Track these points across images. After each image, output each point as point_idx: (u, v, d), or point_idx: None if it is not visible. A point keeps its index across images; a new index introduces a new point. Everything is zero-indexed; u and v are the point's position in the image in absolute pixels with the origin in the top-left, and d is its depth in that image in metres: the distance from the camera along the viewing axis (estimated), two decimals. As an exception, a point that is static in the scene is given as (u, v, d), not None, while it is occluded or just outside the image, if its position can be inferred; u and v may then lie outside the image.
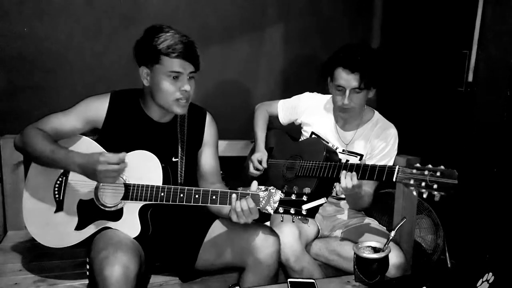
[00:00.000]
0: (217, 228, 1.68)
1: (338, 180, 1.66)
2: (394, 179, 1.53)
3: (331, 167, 1.72)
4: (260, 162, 2.00)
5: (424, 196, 1.46)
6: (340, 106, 1.84)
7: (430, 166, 1.46)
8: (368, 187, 1.84)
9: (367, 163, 1.86)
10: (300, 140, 2.07)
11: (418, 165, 1.48)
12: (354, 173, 1.60)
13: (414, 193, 1.48)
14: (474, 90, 2.35)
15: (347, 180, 1.60)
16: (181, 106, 1.57)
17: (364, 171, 1.61)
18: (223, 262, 1.63)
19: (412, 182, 1.47)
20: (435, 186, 1.42)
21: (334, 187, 1.67)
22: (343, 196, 1.99)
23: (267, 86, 2.79)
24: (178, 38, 1.52)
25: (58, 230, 1.58)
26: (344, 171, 1.63)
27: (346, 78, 1.77)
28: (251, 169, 2.03)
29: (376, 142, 1.90)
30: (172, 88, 1.54)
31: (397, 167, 1.53)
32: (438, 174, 1.42)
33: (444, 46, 2.57)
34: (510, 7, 2.15)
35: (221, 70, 2.66)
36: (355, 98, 1.80)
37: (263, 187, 1.48)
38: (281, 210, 1.45)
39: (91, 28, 2.35)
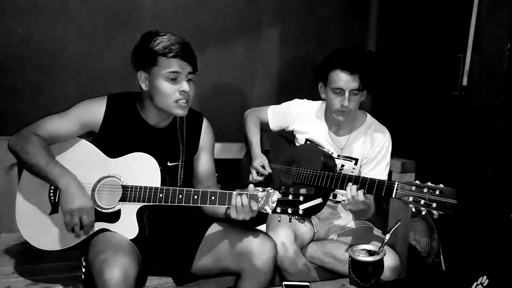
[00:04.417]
0: (213, 232, 1.67)
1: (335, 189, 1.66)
2: (393, 196, 1.54)
3: (330, 177, 1.72)
4: (263, 167, 1.96)
5: (423, 213, 1.47)
6: (338, 109, 1.82)
7: (429, 183, 1.47)
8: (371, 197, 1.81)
9: (363, 170, 1.89)
10: (296, 145, 2.05)
11: (417, 182, 1.50)
12: (360, 191, 1.59)
13: (413, 209, 1.49)
14: (469, 94, 2.36)
15: (353, 194, 1.60)
16: (181, 107, 1.56)
17: (362, 184, 1.61)
18: (219, 267, 1.62)
19: (411, 199, 1.48)
20: (434, 204, 1.43)
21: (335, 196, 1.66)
22: (339, 199, 1.99)
23: (263, 88, 2.79)
24: (175, 39, 1.53)
25: (53, 233, 1.56)
26: (349, 184, 1.62)
27: (346, 80, 1.77)
28: (254, 176, 1.96)
29: (371, 147, 1.89)
30: (171, 90, 1.53)
31: (396, 183, 1.54)
32: (437, 192, 1.43)
33: (439, 50, 2.59)
34: (504, 11, 2.17)
35: (217, 72, 2.65)
36: (353, 100, 1.81)
37: (260, 188, 1.50)
38: (278, 210, 1.47)
39: (87, 29, 2.34)
